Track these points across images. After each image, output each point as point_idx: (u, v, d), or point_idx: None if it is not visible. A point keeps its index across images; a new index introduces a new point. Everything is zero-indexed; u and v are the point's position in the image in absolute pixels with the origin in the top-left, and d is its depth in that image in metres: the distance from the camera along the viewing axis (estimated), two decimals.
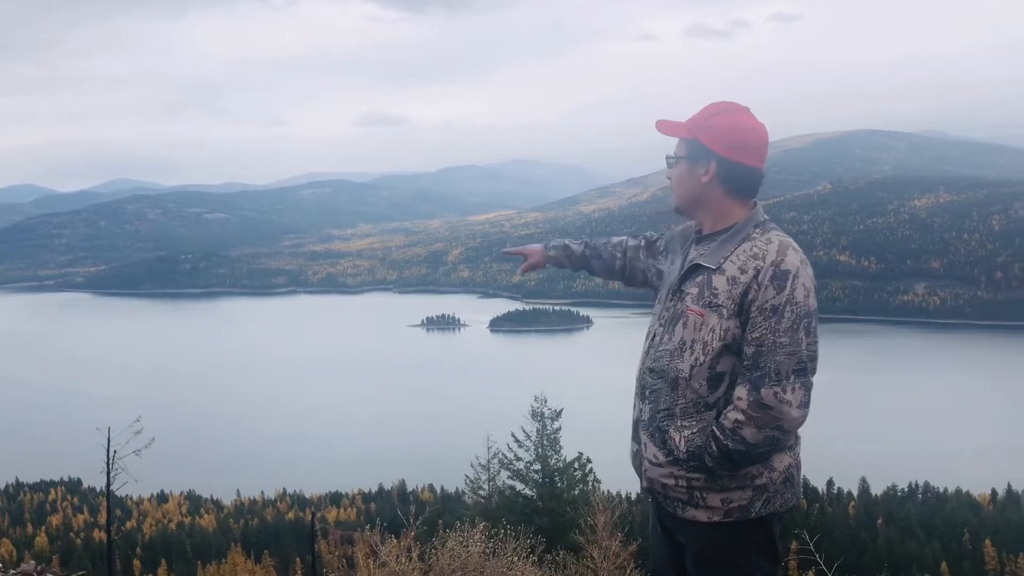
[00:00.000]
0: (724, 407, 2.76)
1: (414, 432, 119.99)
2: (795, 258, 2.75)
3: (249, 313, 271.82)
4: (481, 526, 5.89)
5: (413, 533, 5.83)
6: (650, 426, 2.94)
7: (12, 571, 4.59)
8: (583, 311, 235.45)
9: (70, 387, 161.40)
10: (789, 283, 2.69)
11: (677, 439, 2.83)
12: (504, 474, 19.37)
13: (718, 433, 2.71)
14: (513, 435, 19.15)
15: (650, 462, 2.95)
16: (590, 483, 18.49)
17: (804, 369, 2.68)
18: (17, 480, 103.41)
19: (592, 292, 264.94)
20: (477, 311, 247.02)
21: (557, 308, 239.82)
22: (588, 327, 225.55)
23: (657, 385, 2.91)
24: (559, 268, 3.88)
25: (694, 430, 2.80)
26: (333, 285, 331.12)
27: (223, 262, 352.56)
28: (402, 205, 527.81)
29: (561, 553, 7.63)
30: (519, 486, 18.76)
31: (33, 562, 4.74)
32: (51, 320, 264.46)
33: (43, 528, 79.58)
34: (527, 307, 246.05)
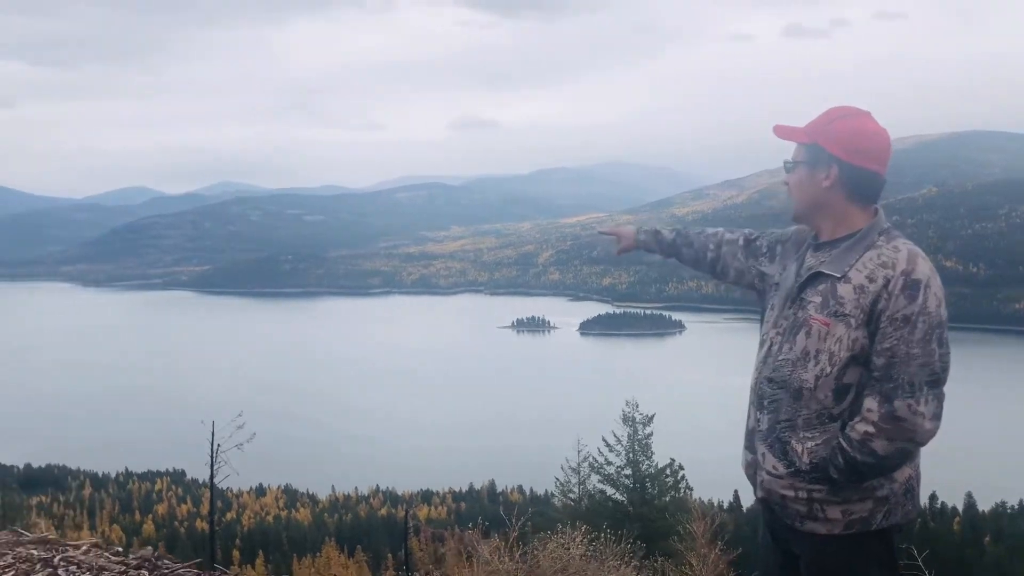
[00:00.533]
0: (849, 418, 2.71)
1: (503, 433, 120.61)
2: (925, 267, 2.68)
3: (345, 313, 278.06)
4: (583, 528, 5.88)
5: (516, 533, 5.87)
6: (769, 436, 2.88)
7: (132, 555, 4.80)
8: (675, 315, 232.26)
9: (175, 382, 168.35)
10: (921, 293, 2.63)
11: (800, 450, 2.77)
12: (594, 478, 19.30)
13: (845, 445, 2.66)
14: (604, 439, 19.08)
15: (768, 473, 2.89)
16: (682, 490, 18.27)
17: (937, 380, 2.63)
18: (127, 470, 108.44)
19: (685, 296, 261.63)
20: (567, 313, 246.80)
21: (648, 312, 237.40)
22: (680, 332, 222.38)
23: (777, 395, 2.85)
24: (648, 253, 3.85)
25: (818, 442, 2.74)
26: (426, 286, 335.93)
27: (321, 263, 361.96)
28: (494, 207, 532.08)
29: (659, 559, 7.56)
30: (609, 491, 18.67)
31: (150, 548, 4.96)
32: (158, 317, 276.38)
33: (150, 516, 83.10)
34: (617, 310, 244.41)
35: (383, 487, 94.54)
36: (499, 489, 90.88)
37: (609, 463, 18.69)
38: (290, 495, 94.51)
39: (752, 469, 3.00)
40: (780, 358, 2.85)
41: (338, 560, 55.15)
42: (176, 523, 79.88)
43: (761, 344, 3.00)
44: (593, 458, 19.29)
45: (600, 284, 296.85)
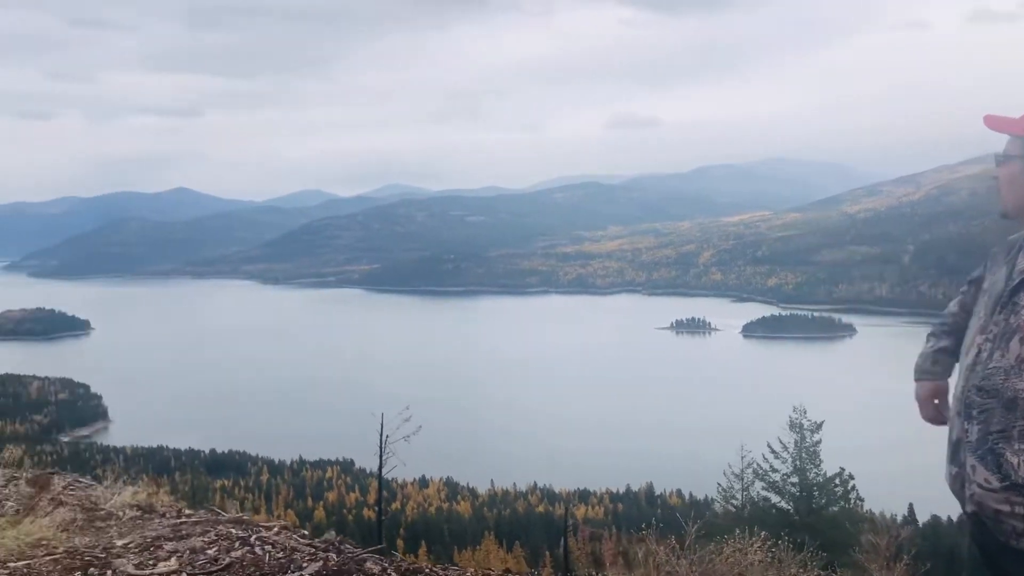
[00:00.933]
0: None
1: (661, 435, 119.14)
2: None
3: (505, 311, 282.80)
4: (762, 535, 5.78)
5: (691, 536, 5.85)
6: (979, 448, 2.71)
7: (317, 539, 5.14)
8: (845, 318, 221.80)
9: (346, 375, 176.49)
10: None
11: (1016, 463, 2.59)
12: (758, 485, 18.79)
13: None
14: (769, 445, 18.56)
15: (980, 486, 2.71)
16: (852, 500, 17.50)
17: None
18: (300, 458, 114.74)
19: (857, 298, 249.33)
20: (729, 315, 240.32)
21: (816, 314, 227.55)
22: (851, 336, 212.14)
23: (988, 405, 2.68)
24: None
25: None
26: (583, 286, 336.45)
27: (482, 262, 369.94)
28: (652, 206, 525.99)
29: (838, 571, 7.33)
30: (774, 498, 18.14)
31: (333, 532, 5.29)
32: (331, 313, 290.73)
33: (321, 503, 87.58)
34: (783, 312, 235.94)
35: (541, 484, 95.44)
36: (657, 492, 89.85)
37: (775, 470, 18.17)
38: (451, 487, 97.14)
39: (959, 482, 2.84)
40: (991, 366, 2.70)
41: (497, 554, 56.18)
42: (345, 511, 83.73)
43: (966, 351, 2.87)
44: (757, 464, 18.81)
45: (765, 285, 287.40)
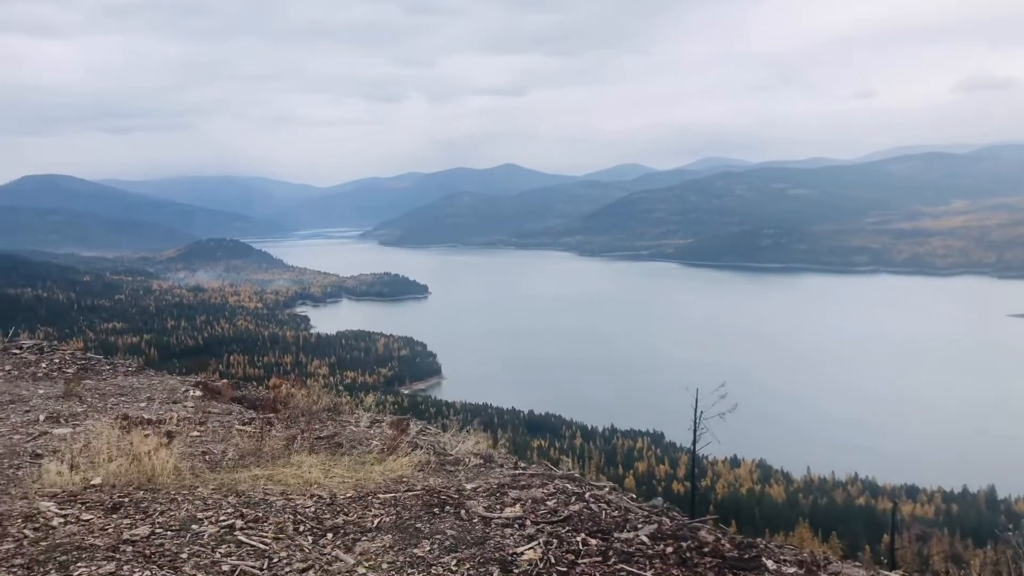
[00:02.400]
0: None
1: (1010, 433, 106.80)
2: None
3: (828, 291, 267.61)
4: None
5: None
6: None
7: (645, 503, 5.24)
8: None
9: (657, 347, 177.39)
10: None
11: None
12: None
13: None
14: None
15: None
16: None
17: None
18: (612, 425, 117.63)
19: None
20: None
21: None
22: None
23: None
24: None
25: None
26: (919, 266, 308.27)
27: (804, 238, 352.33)
28: (1007, 178, 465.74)
29: None
30: None
31: (660, 499, 5.36)
32: (644, 286, 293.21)
33: (631, 472, 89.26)
34: None
35: (862, 475, 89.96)
36: (1000, 496, 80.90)
37: None
38: (764, 470, 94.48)
39: None
40: None
41: (811, 543, 53.87)
42: (654, 482, 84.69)
43: None
44: None
45: None
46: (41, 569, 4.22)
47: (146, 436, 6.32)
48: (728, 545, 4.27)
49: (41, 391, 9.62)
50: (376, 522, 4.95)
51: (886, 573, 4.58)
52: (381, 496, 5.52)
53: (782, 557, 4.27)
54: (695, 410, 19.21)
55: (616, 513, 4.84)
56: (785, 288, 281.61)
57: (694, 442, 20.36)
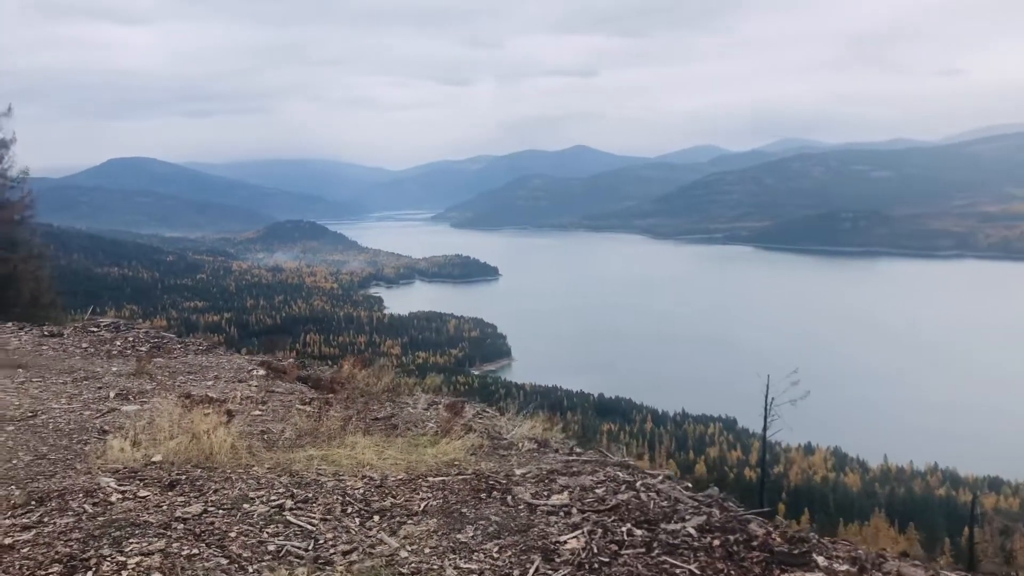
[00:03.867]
0: None
1: None
2: None
3: (909, 276, 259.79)
4: None
5: None
6: None
7: (700, 493, 5.13)
8: None
9: (731, 333, 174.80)
10: None
11: None
12: None
13: None
14: None
15: None
16: None
17: None
18: (683, 411, 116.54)
19: None
20: None
21: None
22: None
23: None
24: None
25: None
26: (1008, 251, 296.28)
27: (884, 221, 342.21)
28: None
29: None
30: None
31: (716, 489, 5.25)
32: (718, 270, 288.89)
33: (702, 458, 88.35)
34: None
35: (943, 465, 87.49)
36: None
37: None
38: (839, 458, 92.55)
39: None
40: None
41: (887, 533, 52.61)
42: (726, 468, 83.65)
43: None
44: None
45: None
46: (96, 544, 4.33)
47: (206, 415, 6.45)
48: (778, 539, 4.13)
49: (114, 368, 9.93)
50: (423, 506, 4.95)
51: (947, 573, 4.38)
52: (431, 479, 5.52)
53: (834, 553, 4.12)
54: (766, 397, 18.90)
55: (665, 503, 4.74)
56: (864, 272, 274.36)
57: (764, 429, 20.03)
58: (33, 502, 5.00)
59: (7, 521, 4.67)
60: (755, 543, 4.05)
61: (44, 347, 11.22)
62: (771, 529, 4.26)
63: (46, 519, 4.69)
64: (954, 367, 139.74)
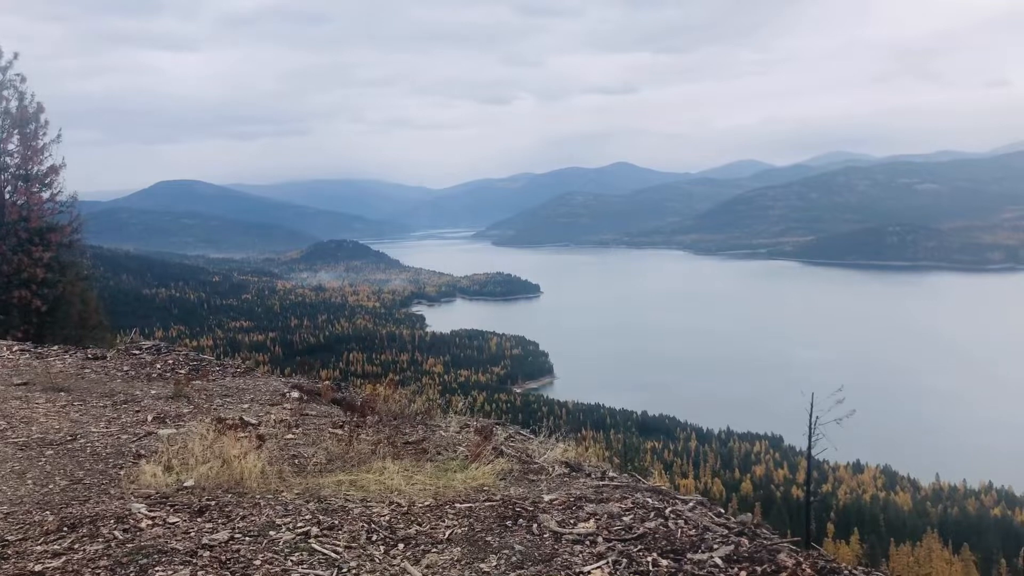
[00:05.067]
0: None
1: None
2: None
3: (959, 290, 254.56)
4: None
5: None
6: None
7: (732, 520, 5.02)
8: None
9: (776, 349, 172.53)
10: None
11: None
12: None
13: None
14: None
15: None
16: None
17: None
18: (728, 428, 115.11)
19: None
20: None
21: None
22: None
23: None
24: None
25: None
26: None
27: (932, 235, 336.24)
28: None
29: None
30: None
31: (749, 515, 5.13)
32: (762, 286, 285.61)
33: (748, 476, 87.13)
34: None
35: (997, 484, 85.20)
36: None
37: None
38: (889, 476, 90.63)
39: None
40: None
41: (940, 555, 51.32)
42: (772, 486, 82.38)
43: None
44: None
45: None
46: (123, 571, 4.35)
47: (238, 439, 6.49)
48: (808, 569, 4.02)
49: (153, 391, 10.06)
50: (448, 533, 4.91)
51: None
52: (458, 506, 5.48)
53: None
54: (810, 416, 18.55)
55: (693, 532, 4.64)
56: (913, 286, 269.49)
57: (808, 449, 19.63)
58: (65, 528, 5.05)
59: (39, 547, 4.73)
60: (784, 574, 3.94)
61: (87, 370, 11.41)
62: (801, 560, 4.14)
63: (76, 545, 4.74)
64: (1008, 383, 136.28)
